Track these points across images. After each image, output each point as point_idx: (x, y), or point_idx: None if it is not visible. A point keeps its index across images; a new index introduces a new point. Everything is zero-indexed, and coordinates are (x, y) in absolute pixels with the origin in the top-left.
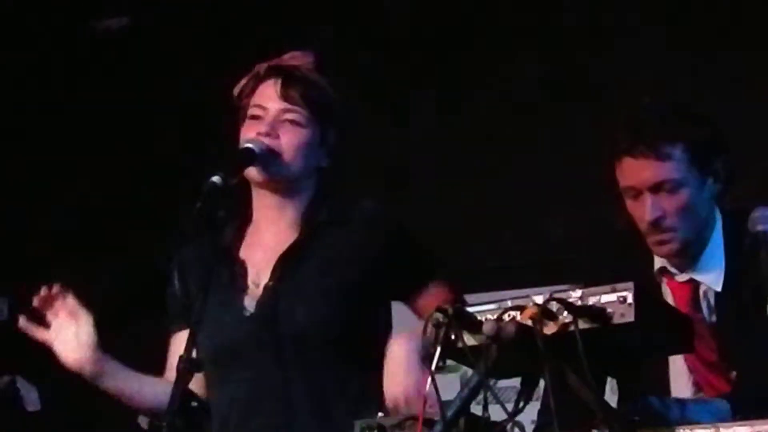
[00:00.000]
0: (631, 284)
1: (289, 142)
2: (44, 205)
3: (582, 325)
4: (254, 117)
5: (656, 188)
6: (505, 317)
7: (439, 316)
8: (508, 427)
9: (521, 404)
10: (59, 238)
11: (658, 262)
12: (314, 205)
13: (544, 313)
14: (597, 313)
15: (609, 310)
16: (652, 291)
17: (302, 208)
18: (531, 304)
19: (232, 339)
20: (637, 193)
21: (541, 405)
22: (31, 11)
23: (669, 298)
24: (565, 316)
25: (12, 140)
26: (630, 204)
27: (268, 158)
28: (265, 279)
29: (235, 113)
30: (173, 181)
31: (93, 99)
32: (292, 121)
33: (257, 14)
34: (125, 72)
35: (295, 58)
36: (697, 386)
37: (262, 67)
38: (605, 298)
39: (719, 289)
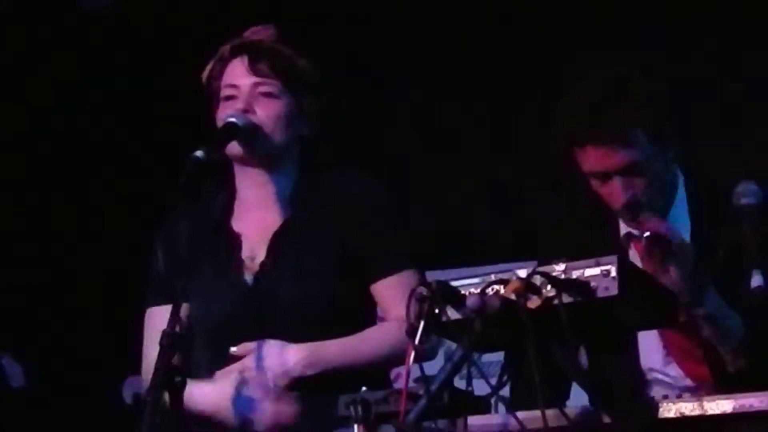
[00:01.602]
0: (614, 258)
1: (267, 114)
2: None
3: (566, 298)
4: (228, 97)
5: (625, 171)
6: (489, 291)
7: (423, 290)
8: (492, 401)
9: (505, 378)
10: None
11: (624, 228)
12: (302, 178)
13: (527, 287)
14: (581, 287)
15: (593, 283)
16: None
17: (290, 181)
18: (515, 278)
19: (233, 311)
20: (605, 177)
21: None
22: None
23: (637, 262)
24: (549, 290)
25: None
26: (598, 185)
27: (251, 132)
28: (261, 256)
29: (208, 99)
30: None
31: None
32: (266, 94)
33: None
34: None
35: (256, 33)
36: (667, 349)
37: (225, 49)
38: (589, 272)
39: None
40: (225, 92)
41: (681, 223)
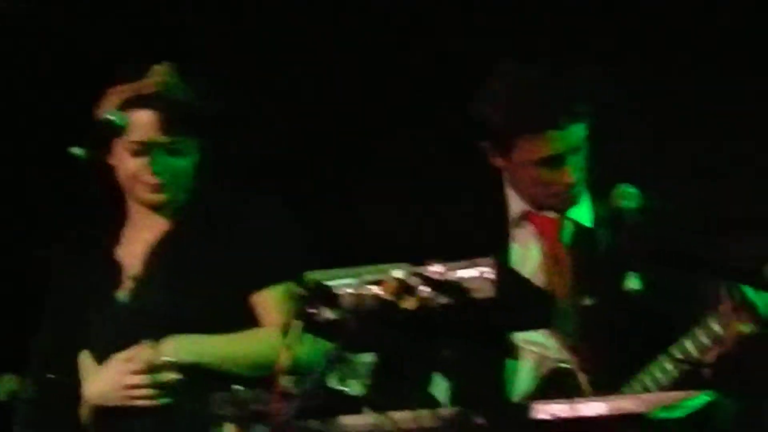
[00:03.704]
0: (491, 260)
1: (178, 168)
2: None
3: (441, 299)
4: (137, 153)
5: (578, 149)
6: (365, 291)
7: (300, 290)
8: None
9: (379, 378)
10: None
11: (518, 207)
12: (194, 193)
13: (403, 287)
14: (457, 289)
15: (469, 285)
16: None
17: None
18: (391, 278)
19: (113, 333)
20: (557, 161)
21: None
22: None
23: (534, 233)
24: (426, 291)
25: None
26: (543, 173)
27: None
28: (138, 270)
29: (103, 136)
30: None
31: None
32: (177, 151)
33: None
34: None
35: (158, 79)
36: None
37: (129, 95)
38: (466, 273)
39: (589, 224)
40: (132, 147)
41: (583, 204)
